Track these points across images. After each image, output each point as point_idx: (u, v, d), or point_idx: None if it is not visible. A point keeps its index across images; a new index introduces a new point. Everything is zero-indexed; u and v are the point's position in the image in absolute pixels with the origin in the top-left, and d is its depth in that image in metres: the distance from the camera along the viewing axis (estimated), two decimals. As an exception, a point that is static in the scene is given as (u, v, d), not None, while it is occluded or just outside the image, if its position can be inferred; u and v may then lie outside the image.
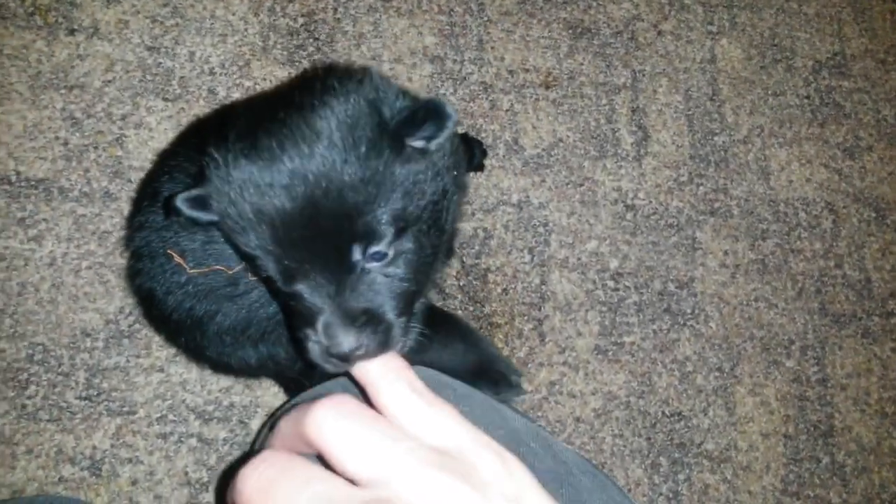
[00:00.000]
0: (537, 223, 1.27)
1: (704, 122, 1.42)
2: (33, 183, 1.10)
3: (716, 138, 1.41)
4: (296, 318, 0.61)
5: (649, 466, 1.18)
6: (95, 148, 1.14)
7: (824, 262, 1.37)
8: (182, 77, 1.22)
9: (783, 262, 1.35)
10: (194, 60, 1.23)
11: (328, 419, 0.42)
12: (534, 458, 0.62)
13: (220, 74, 1.23)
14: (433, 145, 0.63)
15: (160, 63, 1.21)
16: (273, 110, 0.60)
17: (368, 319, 0.57)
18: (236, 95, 1.23)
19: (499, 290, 1.22)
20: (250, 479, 0.40)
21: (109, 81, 1.18)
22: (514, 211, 1.27)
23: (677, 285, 1.28)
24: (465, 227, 1.24)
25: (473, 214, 1.25)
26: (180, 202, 0.63)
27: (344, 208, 0.57)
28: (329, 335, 0.56)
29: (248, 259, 0.63)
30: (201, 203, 0.63)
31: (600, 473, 0.67)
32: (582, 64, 1.39)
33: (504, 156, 1.30)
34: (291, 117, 0.59)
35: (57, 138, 1.13)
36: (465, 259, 1.22)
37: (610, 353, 1.22)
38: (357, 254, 0.58)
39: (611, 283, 1.26)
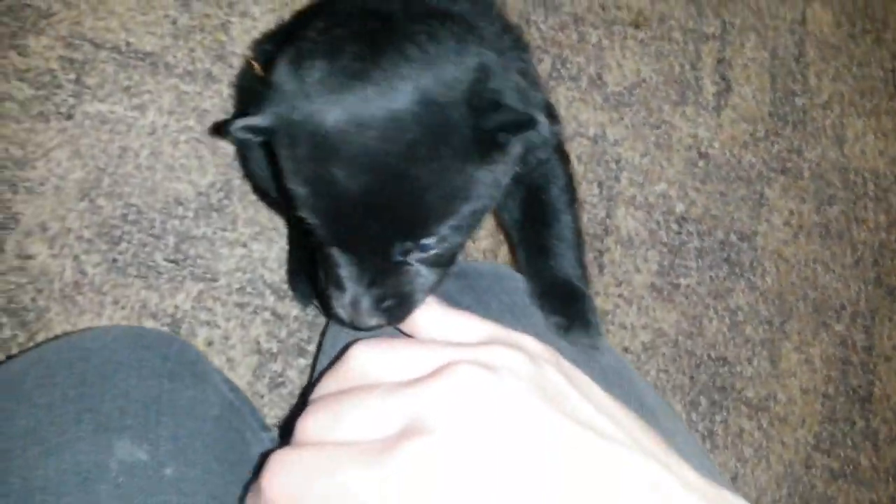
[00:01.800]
0: (610, 159, 1.24)
1: (787, 81, 1.36)
2: (141, 55, 1.10)
3: (796, 99, 1.35)
4: (325, 270, 0.55)
5: (689, 403, 1.16)
6: (202, 30, 1.14)
7: (886, 235, 1.32)
8: (290, -28, 1.20)
9: (846, 229, 1.30)
10: (302, -42, 1.21)
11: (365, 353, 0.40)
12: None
13: (324, -24, 1.21)
14: (516, 151, 0.53)
15: (269, -43, 1.20)
16: (360, 44, 0.49)
17: (395, 303, 0.51)
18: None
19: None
20: (275, 484, 0.37)
21: (220, -31, 1.17)
22: (588, 144, 1.24)
23: (739, 237, 1.25)
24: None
25: (550, 142, 1.22)
26: (237, 129, 0.51)
27: (414, 214, 0.49)
28: (356, 311, 0.51)
29: (290, 196, 0.53)
30: (264, 131, 0.51)
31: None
32: (674, 8, 1.34)
33: (586, 89, 1.26)
34: (381, 71, 0.46)
35: (167, 16, 1.13)
36: (536, 183, 1.20)
37: (665, 293, 1.20)
38: (407, 246, 0.51)
39: (675, 226, 1.23)
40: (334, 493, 0.35)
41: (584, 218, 1.20)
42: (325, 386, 0.42)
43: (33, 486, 0.50)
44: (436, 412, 0.35)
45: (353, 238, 0.51)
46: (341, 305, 0.52)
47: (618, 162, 1.24)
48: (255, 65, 0.71)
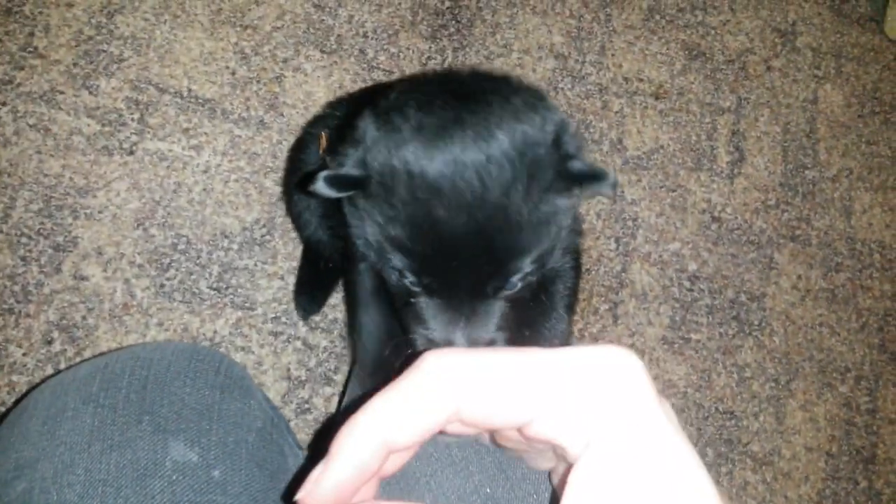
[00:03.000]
0: (627, 217, 1.29)
1: (798, 155, 1.41)
2: (201, 101, 1.18)
3: (806, 172, 1.40)
4: (412, 318, 0.54)
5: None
6: (257, 81, 1.22)
7: (891, 304, 1.34)
8: (339, 35, 1.28)
9: (851, 296, 1.33)
10: (352, 23, 1.30)
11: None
12: None
13: (372, 38, 1.30)
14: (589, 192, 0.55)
15: (323, 20, 1.28)
16: (449, 104, 0.51)
17: (486, 344, 0.53)
18: (382, 58, 1.29)
19: (583, 269, 1.24)
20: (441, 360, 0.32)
21: (278, 28, 1.26)
22: (607, 202, 1.29)
23: (749, 297, 1.28)
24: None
25: (571, 198, 1.28)
26: (323, 183, 0.51)
27: (513, 247, 0.50)
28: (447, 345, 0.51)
29: (373, 247, 0.54)
30: (347, 183, 0.52)
31: None
32: (692, 83, 1.41)
33: (608, 152, 1.32)
34: (475, 123, 0.49)
35: (227, 67, 1.21)
36: (557, 236, 1.25)
37: (675, 346, 1.23)
38: (498, 283, 0.53)
39: (687, 283, 1.27)
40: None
41: (601, 270, 1.25)
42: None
43: (96, 478, 0.54)
44: None
45: (450, 279, 0.51)
46: (426, 344, 0.52)
47: (635, 220, 1.29)
48: (324, 136, 0.76)
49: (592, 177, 0.52)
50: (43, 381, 0.70)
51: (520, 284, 0.54)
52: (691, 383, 1.21)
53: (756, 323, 1.27)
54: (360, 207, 0.54)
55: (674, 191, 1.32)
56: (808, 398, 1.25)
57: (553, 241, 0.54)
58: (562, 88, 1.35)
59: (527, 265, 0.53)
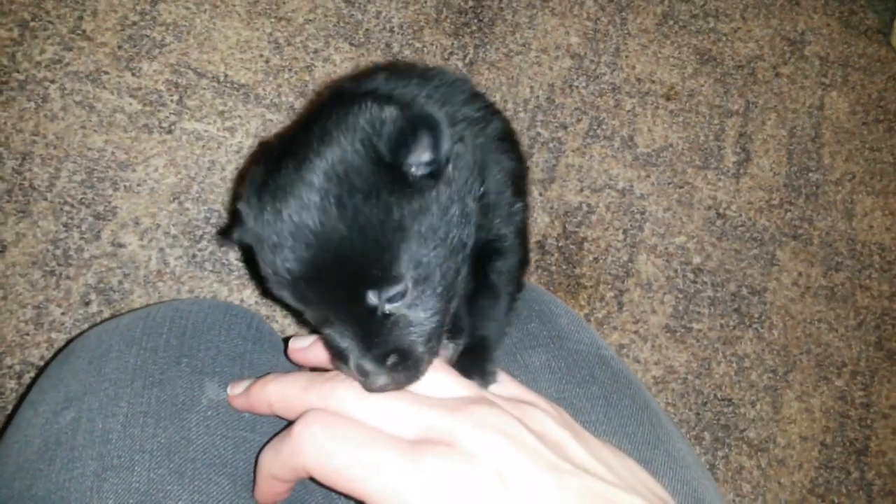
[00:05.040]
0: (635, 210, 1.31)
1: (803, 158, 1.43)
2: (236, 86, 1.22)
3: (810, 174, 1.42)
4: (329, 350, 0.55)
5: (693, 438, 1.20)
6: (289, 70, 1.26)
7: (888, 304, 1.36)
8: (367, 29, 1.32)
9: (850, 294, 1.35)
10: (379, 18, 1.33)
11: (348, 398, 0.45)
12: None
13: (398, 33, 1.33)
14: (442, 162, 0.52)
15: (352, 14, 1.32)
16: (288, 150, 0.53)
17: (399, 357, 0.50)
18: (407, 52, 1.32)
19: (591, 258, 1.27)
20: (308, 443, 0.42)
21: (310, 20, 1.30)
22: (617, 195, 1.31)
23: (750, 291, 1.30)
24: (573, 199, 1.29)
25: (582, 190, 1.30)
26: (217, 235, 0.59)
27: (347, 263, 0.49)
28: (363, 376, 0.49)
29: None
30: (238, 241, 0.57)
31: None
32: (702, 86, 1.43)
33: (618, 148, 1.35)
34: (291, 170, 0.51)
35: (261, 56, 1.25)
36: (567, 225, 1.28)
37: (678, 334, 1.25)
38: (373, 299, 0.51)
39: (690, 276, 1.29)
40: (363, 464, 0.40)
41: (608, 260, 1.27)
42: None
43: (137, 410, 0.57)
44: (466, 435, 0.41)
45: (329, 311, 0.51)
46: (350, 376, 0.51)
47: (642, 213, 1.31)
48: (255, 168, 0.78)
49: (408, 134, 0.50)
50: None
51: (410, 295, 0.52)
52: (691, 370, 1.23)
53: (756, 316, 1.29)
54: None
55: (681, 187, 1.34)
56: (805, 390, 1.27)
57: (424, 242, 0.51)
58: (577, 87, 1.37)
59: (401, 273, 0.50)
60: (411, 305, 0.52)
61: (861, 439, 1.26)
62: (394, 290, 0.51)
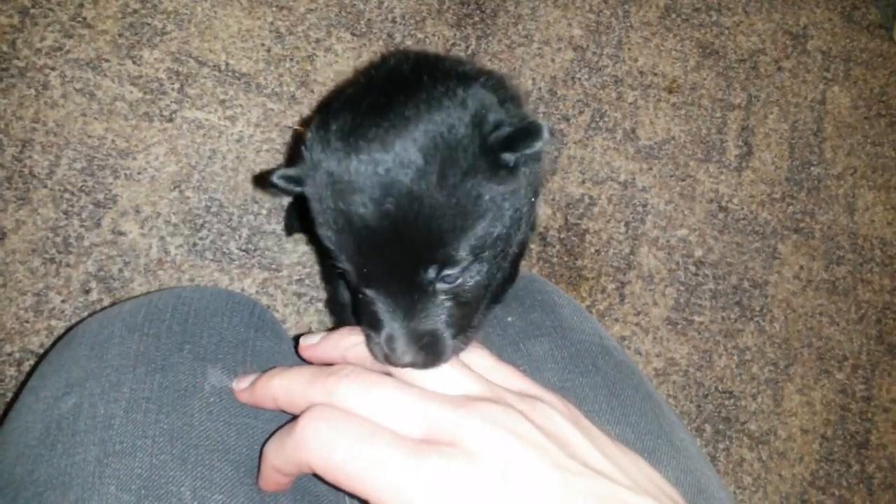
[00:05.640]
0: (637, 203, 1.31)
1: (805, 152, 1.42)
2: (237, 75, 1.21)
3: (812, 168, 1.42)
4: (363, 312, 0.55)
5: (694, 430, 1.19)
6: (290, 59, 1.25)
7: (890, 297, 1.36)
8: (369, 19, 1.31)
9: (851, 288, 1.34)
10: (382, 8, 1.32)
11: (350, 393, 0.43)
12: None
13: (400, 24, 1.32)
14: (526, 164, 0.53)
15: (354, 4, 1.31)
16: (376, 101, 0.52)
17: (429, 341, 0.50)
18: (409, 43, 1.31)
19: (592, 249, 1.26)
20: (311, 438, 0.41)
21: (312, 10, 1.29)
22: (619, 188, 1.31)
23: (752, 284, 1.30)
24: (575, 191, 1.29)
25: (584, 182, 1.30)
26: (276, 178, 0.55)
27: (431, 234, 0.49)
28: (391, 348, 0.49)
29: (324, 247, 0.55)
30: (298, 181, 0.55)
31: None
32: (705, 79, 1.42)
33: (620, 140, 1.34)
34: (383, 121, 0.50)
35: (263, 45, 1.24)
36: (568, 217, 1.27)
37: (679, 326, 1.24)
38: (431, 273, 0.51)
39: (692, 268, 1.28)
40: (366, 462, 0.40)
41: (610, 252, 1.27)
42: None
43: (140, 395, 0.56)
44: (471, 433, 0.40)
45: (382, 271, 0.51)
46: (375, 343, 0.51)
47: (644, 206, 1.31)
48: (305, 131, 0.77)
49: (520, 136, 0.50)
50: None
51: (461, 279, 0.52)
52: (693, 363, 1.23)
53: (758, 309, 1.29)
54: (310, 204, 0.55)
55: (683, 180, 1.34)
56: (806, 383, 1.26)
57: (488, 229, 0.51)
58: (579, 79, 1.37)
59: (460, 256, 0.51)
60: (458, 290, 0.52)
61: (862, 432, 1.26)
62: (452, 271, 0.51)
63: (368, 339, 0.51)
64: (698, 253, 1.30)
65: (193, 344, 0.61)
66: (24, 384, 0.94)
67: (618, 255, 1.26)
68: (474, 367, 0.50)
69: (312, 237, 0.61)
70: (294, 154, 0.98)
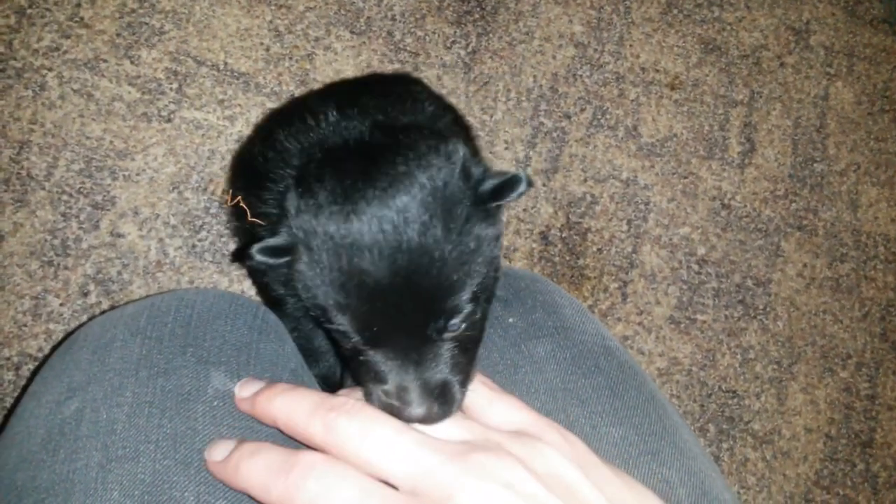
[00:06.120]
0: (639, 201, 1.31)
1: (808, 148, 1.42)
2: (236, 74, 1.21)
3: (815, 165, 1.42)
4: (362, 371, 0.54)
5: (698, 430, 1.20)
6: (290, 58, 1.25)
7: (894, 295, 1.36)
8: (368, 17, 1.31)
9: (855, 286, 1.35)
10: (381, 6, 1.32)
11: (353, 427, 0.42)
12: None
13: (399, 21, 1.32)
14: (506, 205, 0.56)
15: (353, 2, 1.31)
16: (362, 163, 0.53)
17: (441, 391, 0.50)
18: (409, 41, 1.31)
19: (594, 248, 1.27)
20: (302, 493, 0.40)
21: (311, 8, 1.28)
22: (621, 186, 1.31)
23: (755, 282, 1.30)
24: (576, 189, 1.29)
25: (586, 181, 1.30)
26: (258, 252, 0.54)
27: (441, 284, 0.50)
28: (404, 401, 0.49)
29: (318, 309, 0.55)
30: (284, 251, 0.54)
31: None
32: (707, 75, 1.42)
33: (622, 138, 1.34)
34: (387, 177, 0.51)
35: (261, 44, 1.24)
36: (570, 216, 1.27)
37: (682, 325, 1.25)
38: (440, 323, 0.51)
39: (695, 267, 1.28)
40: None
41: (612, 251, 1.27)
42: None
43: (143, 400, 0.56)
44: (466, 490, 0.40)
45: (390, 328, 0.51)
46: (379, 398, 0.50)
47: (647, 204, 1.31)
48: (243, 204, 0.75)
49: (506, 186, 0.54)
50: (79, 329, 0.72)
51: (463, 325, 0.53)
52: (696, 362, 1.23)
53: (761, 307, 1.29)
54: (299, 274, 0.55)
55: (685, 178, 1.34)
56: (810, 381, 1.27)
57: (485, 273, 0.53)
58: (580, 76, 1.36)
59: (464, 303, 0.52)
60: (461, 337, 0.53)
61: (866, 431, 1.26)
62: (457, 319, 0.52)
63: (368, 395, 0.51)
64: (701, 251, 1.30)
65: (196, 347, 0.61)
66: (22, 388, 0.95)
67: (620, 253, 1.27)
68: (473, 402, 0.49)
69: (275, 309, 0.63)
70: (240, 226, 0.93)
